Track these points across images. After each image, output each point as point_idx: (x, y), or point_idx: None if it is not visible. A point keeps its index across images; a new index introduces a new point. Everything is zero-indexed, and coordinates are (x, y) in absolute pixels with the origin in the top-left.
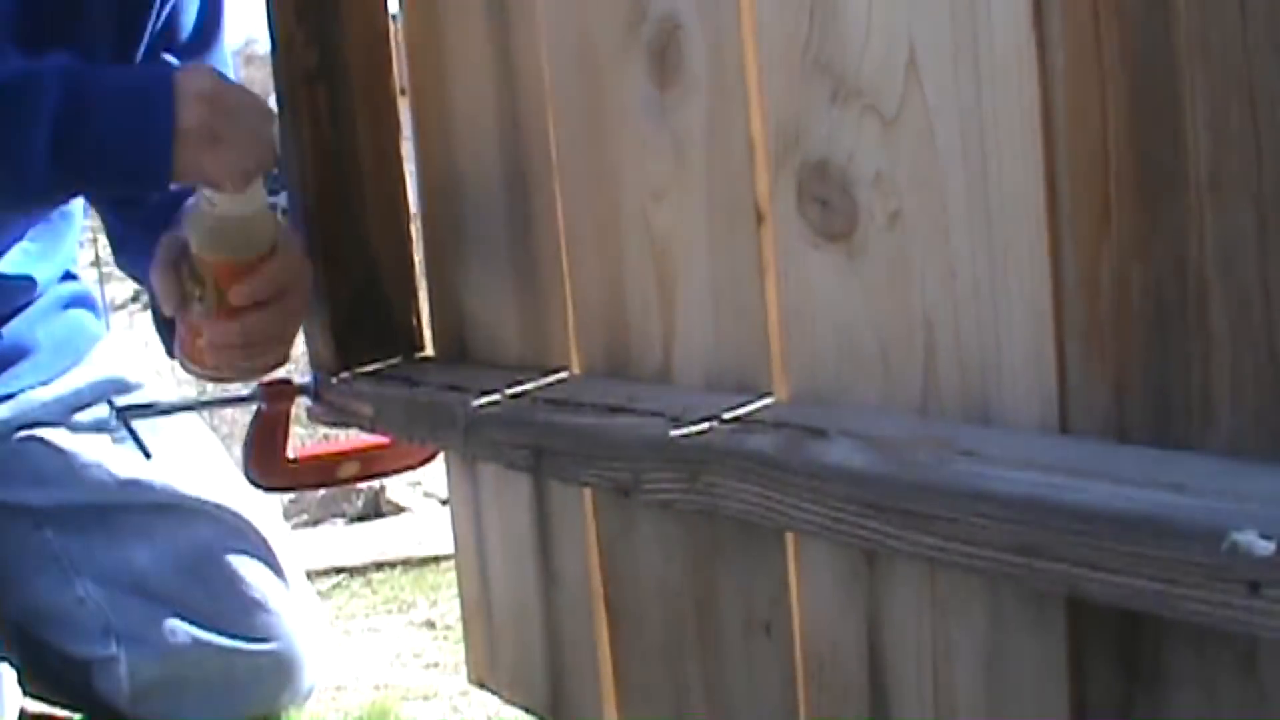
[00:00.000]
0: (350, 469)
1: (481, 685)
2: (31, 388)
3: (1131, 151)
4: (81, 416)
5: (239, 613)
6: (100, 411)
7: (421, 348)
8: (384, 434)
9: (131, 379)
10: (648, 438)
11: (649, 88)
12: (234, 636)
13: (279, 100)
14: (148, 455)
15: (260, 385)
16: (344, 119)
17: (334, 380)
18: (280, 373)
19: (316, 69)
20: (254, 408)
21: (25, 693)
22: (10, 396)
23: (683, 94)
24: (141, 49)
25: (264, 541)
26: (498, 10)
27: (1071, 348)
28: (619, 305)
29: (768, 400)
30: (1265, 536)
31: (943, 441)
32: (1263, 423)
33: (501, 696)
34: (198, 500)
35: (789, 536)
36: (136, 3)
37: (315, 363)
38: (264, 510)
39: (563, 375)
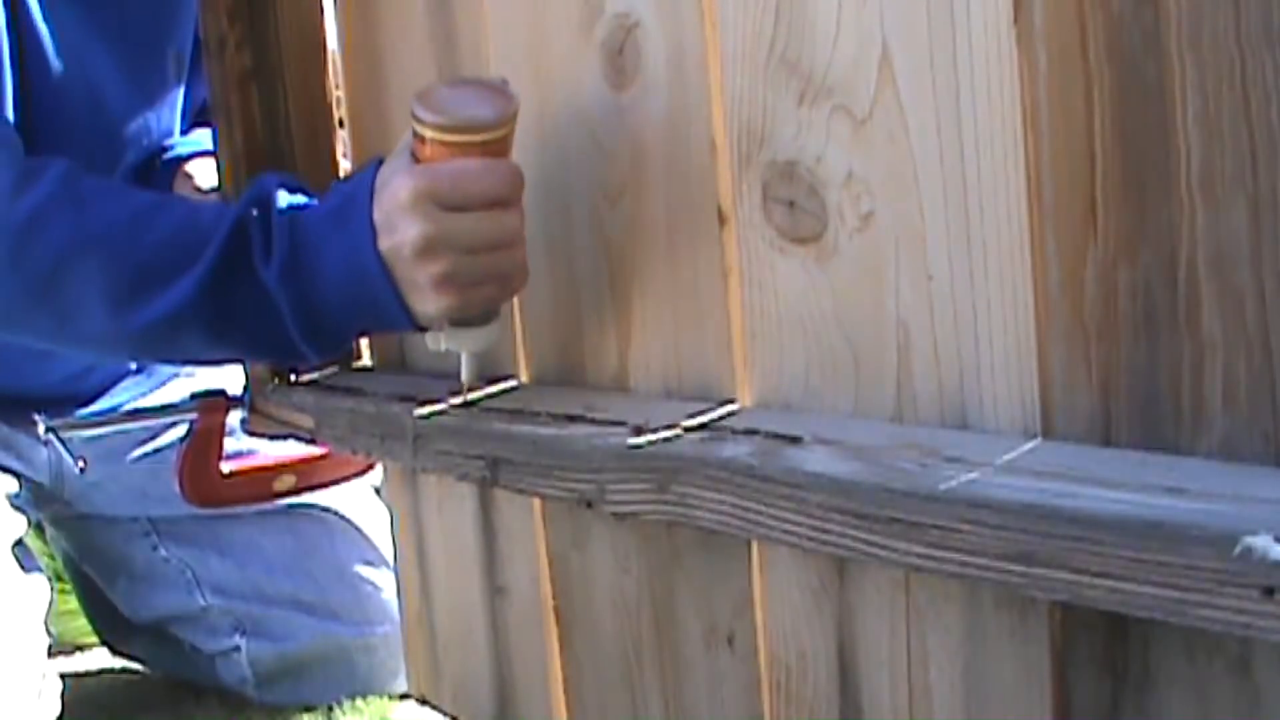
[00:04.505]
0: (287, 482)
1: (423, 701)
2: (132, 401)
3: (1119, 149)
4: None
5: (350, 601)
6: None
7: (359, 356)
8: (325, 446)
9: (229, 389)
10: (612, 447)
11: (604, 87)
12: (347, 623)
13: (212, 103)
14: (81, 471)
15: (193, 397)
16: (277, 122)
17: (269, 391)
18: (214, 383)
19: (249, 71)
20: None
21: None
22: (112, 410)
23: (640, 93)
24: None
25: (364, 532)
26: (440, 6)
27: (1055, 351)
28: (571, 311)
29: (731, 407)
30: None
31: (926, 448)
32: (1256, 426)
33: (444, 712)
34: (297, 502)
35: (753, 544)
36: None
37: (248, 373)
38: (359, 502)
39: (512, 384)
